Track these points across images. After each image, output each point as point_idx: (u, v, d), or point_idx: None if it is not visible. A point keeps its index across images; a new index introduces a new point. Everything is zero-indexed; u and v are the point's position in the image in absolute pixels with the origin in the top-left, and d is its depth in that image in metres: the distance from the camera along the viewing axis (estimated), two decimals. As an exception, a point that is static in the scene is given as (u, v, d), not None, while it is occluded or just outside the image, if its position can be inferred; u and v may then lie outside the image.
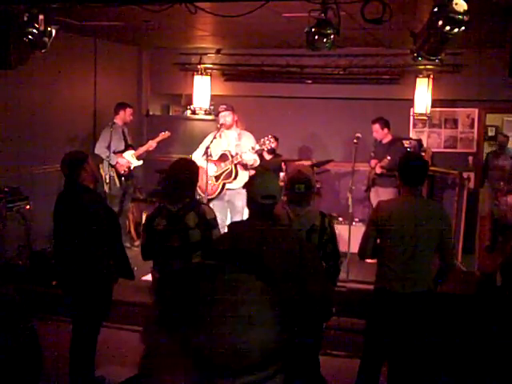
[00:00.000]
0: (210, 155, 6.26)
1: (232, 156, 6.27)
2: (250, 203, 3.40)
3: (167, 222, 3.90)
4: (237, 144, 6.34)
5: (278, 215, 3.92)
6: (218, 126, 6.42)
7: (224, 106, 6.39)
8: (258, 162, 6.37)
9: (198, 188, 6.01)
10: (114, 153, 7.25)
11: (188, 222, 3.86)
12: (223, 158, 6.35)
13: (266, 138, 6.19)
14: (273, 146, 6.40)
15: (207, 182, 6.18)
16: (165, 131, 7.63)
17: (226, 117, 6.31)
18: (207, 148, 6.18)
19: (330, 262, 3.97)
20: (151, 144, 7.53)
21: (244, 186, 3.65)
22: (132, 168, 7.46)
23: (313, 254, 3.51)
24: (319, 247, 3.89)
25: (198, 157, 6.24)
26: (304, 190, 3.89)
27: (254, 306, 0.86)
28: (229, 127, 6.36)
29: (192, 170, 4.11)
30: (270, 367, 0.84)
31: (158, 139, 7.57)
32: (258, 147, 6.25)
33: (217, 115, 6.63)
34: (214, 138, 6.29)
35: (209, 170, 6.25)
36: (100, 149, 7.16)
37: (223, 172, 6.31)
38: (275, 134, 7.87)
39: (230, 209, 6.41)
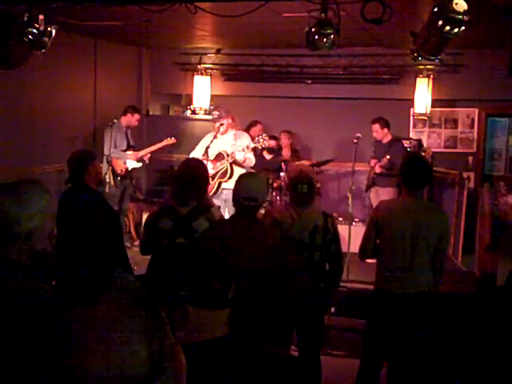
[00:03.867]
0: (207, 155, 6.34)
1: (227, 155, 6.37)
2: (234, 203, 3.47)
3: (174, 223, 3.81)
4: (232, 144, 6.44)
5: (280, 215, 3.94)
6: (219, 125, 6.52)
7: (216, 114, 6.43)
8: (251, 161, 6.42)
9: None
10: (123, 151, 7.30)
11: (197, 227, 3.82)
12: (219, 157, 6.44)
13: (260, 137, 6.31)
14: (267, 144, 6.47)
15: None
16: (171, 137, 7.61)
17: (221, 125, 6.40)
18: (207, 148, 6.27)
19: (333, 263, 3.99)
20: (147, 152, 7.53)
21: None
22: (129, 169, 7.45)
23: (294, 252, 3.52)
24: (322, 247, 3.90)
25: (196, 156, 6.27)
26: (307, 190, 3.89)
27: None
28: (224, 132, 6.46)
29: (202, 171, 4.04)
30: None
31: (160, 145, 7.56)
32: (252, 145, 6.34)
33: (212, 120, 6.64)
34: (215, 137, 6.37)
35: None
36: (107, 150, 7.17)
37: (219, 171, 6.40)
38: (275, 134, 7.91)
39: (228, 208, 6.43)
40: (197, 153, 6.40)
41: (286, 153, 8.16)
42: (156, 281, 1.54)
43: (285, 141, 8.17)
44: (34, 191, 2.10)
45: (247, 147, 6.28)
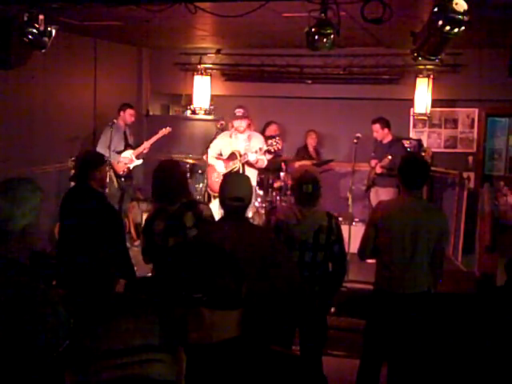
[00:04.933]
0: (221, 154, 6.57)
1: (240, 155, 6.46)
2: (221, 204, 3.46)
3: (166, 222, 3.86)
4: (246, 145, 6.53)
5: (285, 216, 3.94)
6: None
7: (241, 112, 6.46)
8: (263, 162, 6.53)
9: (208, 186, 6.52)
10: (116, 152, 7.26)
11: (186, 222, 3.85)
12: (232, 157, 6.55)
13: (274, 140, 6.38)
14: (280, 147, 6.57)
15: (209, 180, 6.39)
16: (166, 127, 7.61)
17: (242, 122, 6.50)
18: (207, 148, 6.44)
19: (336, 263, 3.99)
20: (146, 146, 7.51)
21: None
22: (131, 168, 7.45)
23: (283, 253, 3.52)
24: (326, 248, 3.90)
25: (210, 156, 6.59)
26: (311, 190, 3.89)
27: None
28: (242, 132, 6.56)
29: (181, 170, 4.18)
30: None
31: (156, 137, 7.56)
32: (265, 148, 6.43)
33: (233, 119, 6.66)
34: (215, 137, 6.53)
35: (218, 169, 6.55)
36: (101, 149, 7.15)
37: (231, 170, 6.47)
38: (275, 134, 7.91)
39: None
40: (211, 153, 6.57)
41: (312, 152, 8.20)
42: (167, 282, 1.56)
43: (311, 140, 8.19)
44: (27, 189, 2.11)
45: (260, 149, 6.35)
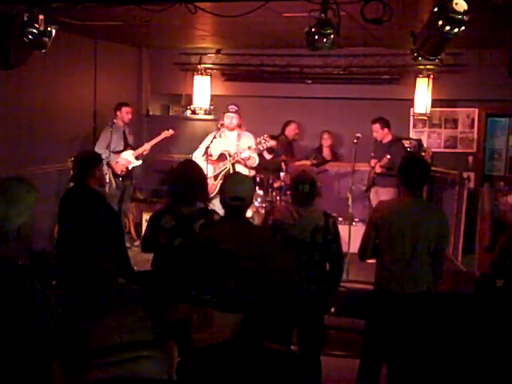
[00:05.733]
0: (210, 155, 6.41)
1: (230, 155, 6.41)
2: (222, 204, 3.46)
3: (176, 222, 3.80)
4: (236, 144, 6.47)
5: (282, 215, 3.95)
6: (219, 125, 6.57)
7: (234, 108, 6.46)
8: (254, 160, 6.48)
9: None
10: (114, 152, 7.23)
11: (196, 229, 3.83)
12: (222, 157, 6.48)
13: (262, 138, 6.34)
14: (268, 144, 6.51)
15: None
16: (168, 129, 7.58)
17: (233, 118, 6.48)
18: (207, 148, 6.32)
19: (333, 263, 4.00)
20: (146, 147, 7.48)
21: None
22: (130, 168, 7.43)
23: (282, 253, 3.53)
24: (323, 247, 3.91)
25: (198, 156, 6.41)
26: (308, 190, 3.90)
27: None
28: (232, 129, 6.51)
29: (202, 172, 4.10)
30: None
31: (157, 139, 7.52)
32: (254, 146, 6.40)
33: (225, 112, 6.63)
34: (214, 137, 6.42)
35: (208, 170, 6.36)
36: (100, 149, 7.14)
37: (221, 171, 6.42)
38: (275, 134, 7.92)
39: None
40: (199, 153, 6.46)
41: (326, 153, 8.19)
42: (172, 280, 1.58)
43: (326, 141, 8.19)
44: (21, 188, 2.12)
45: (249, 148, 6.33)
